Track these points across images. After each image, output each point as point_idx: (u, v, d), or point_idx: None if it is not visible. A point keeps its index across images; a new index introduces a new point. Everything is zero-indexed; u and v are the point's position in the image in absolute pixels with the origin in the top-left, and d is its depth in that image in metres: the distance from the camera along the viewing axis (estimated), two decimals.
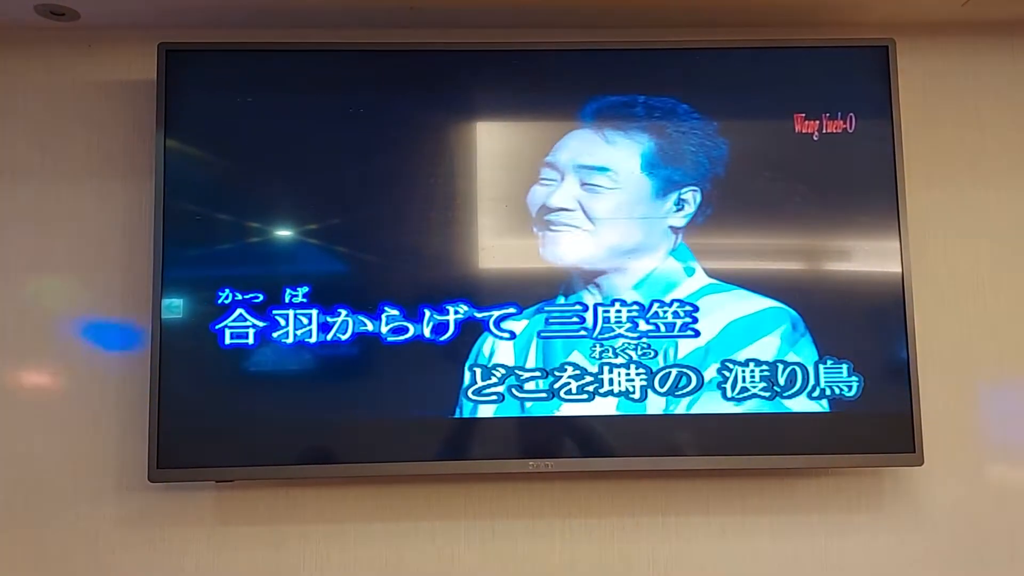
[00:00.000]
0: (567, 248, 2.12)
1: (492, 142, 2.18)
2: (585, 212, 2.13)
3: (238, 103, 2.15)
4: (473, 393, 2.07)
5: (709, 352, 2.10)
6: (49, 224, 2.23)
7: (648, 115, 2.15)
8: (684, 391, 2.09)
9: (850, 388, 2.09)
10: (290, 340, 2.07)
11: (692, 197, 2.13)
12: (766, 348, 2.10)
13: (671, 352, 2.10)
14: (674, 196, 2.13)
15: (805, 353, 2.10)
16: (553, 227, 2.13)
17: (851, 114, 2.15)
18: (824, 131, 2.15)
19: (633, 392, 2.08)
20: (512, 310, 2.10)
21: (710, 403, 2.09)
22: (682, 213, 2.13)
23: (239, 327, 2.07)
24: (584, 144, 2.15)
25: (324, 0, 2.15)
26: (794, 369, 2.09)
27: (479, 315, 2.09)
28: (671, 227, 2.14)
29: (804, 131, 2.15)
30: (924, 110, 2.28)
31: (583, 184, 2.13)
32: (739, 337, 2.10)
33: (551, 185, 2.14)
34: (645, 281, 2.12)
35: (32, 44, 2.26)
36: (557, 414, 2.08)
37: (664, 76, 2.18)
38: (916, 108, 2.24)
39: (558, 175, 2.14)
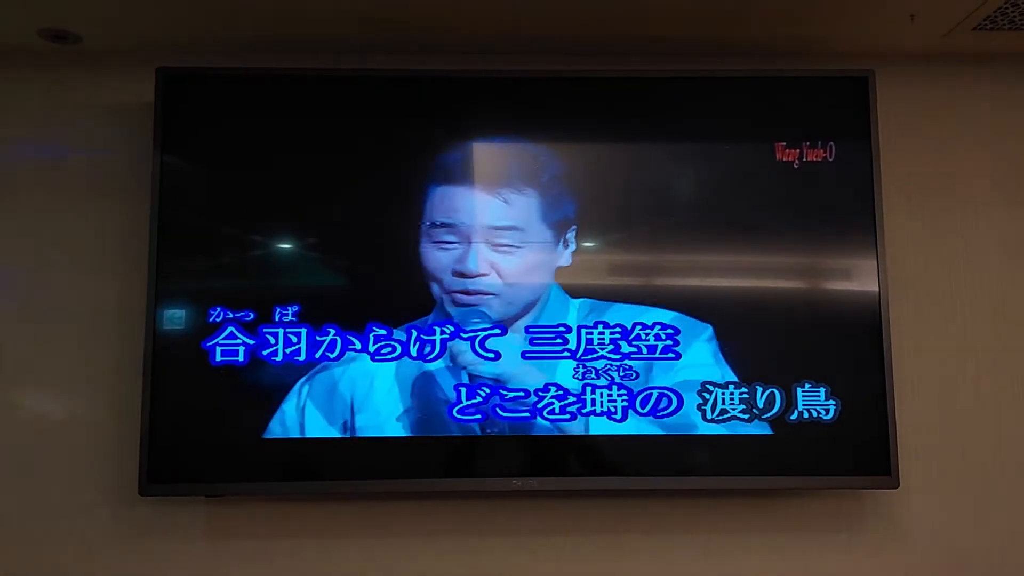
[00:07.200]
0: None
1: (485, 163, 2.21)
2: None
3: (234, 126, 2.20)
4: (458, 412, 2.11)
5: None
6: (47, 242, 2.27)
7: None
8: (664, 412, 2.12)
9: (827, 412, 2.12)
10: (280, 358, 2.11)
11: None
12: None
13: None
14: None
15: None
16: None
17: (831, 143, 2.19)
18: (805, 159, 2.19)
19: (615, 413, 2.12)
20: (498, 331, 2.14)
21: (689, 424, 2.12)
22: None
23: (229, 345, 2.11)
24: None
25: (317, 27, 2.20)
26: (773, 392, 2.13)
27: (465, 336, 2.13)
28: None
29: (785, 159, 2.19)
30: (903, 138, 2.31)
31: None
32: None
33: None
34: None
35: (35, 67, 2.31)
36: (542, 433, 2.11)
37: (646, 104, 2.24)
38: (895, 136, 2.28)
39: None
